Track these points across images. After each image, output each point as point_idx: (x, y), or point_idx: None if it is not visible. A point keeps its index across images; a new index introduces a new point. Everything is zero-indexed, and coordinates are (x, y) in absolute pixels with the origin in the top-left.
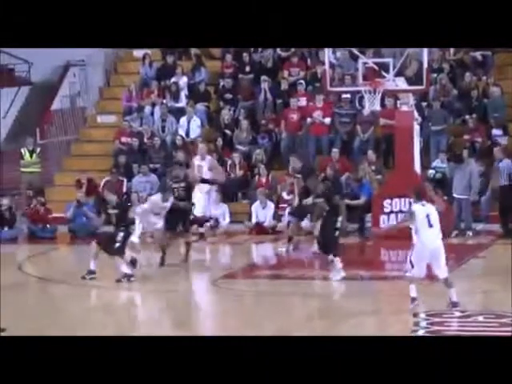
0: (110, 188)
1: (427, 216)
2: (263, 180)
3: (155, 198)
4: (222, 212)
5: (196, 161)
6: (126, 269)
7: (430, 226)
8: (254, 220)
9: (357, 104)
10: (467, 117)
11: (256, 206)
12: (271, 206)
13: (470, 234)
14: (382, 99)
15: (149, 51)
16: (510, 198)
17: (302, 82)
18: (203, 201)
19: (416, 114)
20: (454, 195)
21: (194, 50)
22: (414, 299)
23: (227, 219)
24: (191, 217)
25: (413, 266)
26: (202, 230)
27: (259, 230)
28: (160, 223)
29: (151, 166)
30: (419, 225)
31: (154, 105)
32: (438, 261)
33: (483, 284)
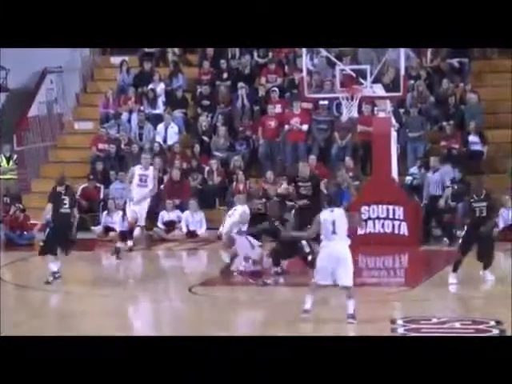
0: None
1: (332, 223)
2: (241, 187)
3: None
4: (199, 219)
5: (139, 170)
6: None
7: (334, 232)
8: None
9: (334, 111)
10: (444, 123)
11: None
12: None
13: (445, 240)
14: (360, 106)
15: (126, 58)
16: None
17: (276, 89)
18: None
19: (393, 120)
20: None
21: (171, 57)
22: (306, 311)
23: (204, 226)
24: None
25: (317, 273)
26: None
27: None
28: None
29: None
30: (324, 231)
31: (131, 111)
32: (342, 268)
33: (460, 291)
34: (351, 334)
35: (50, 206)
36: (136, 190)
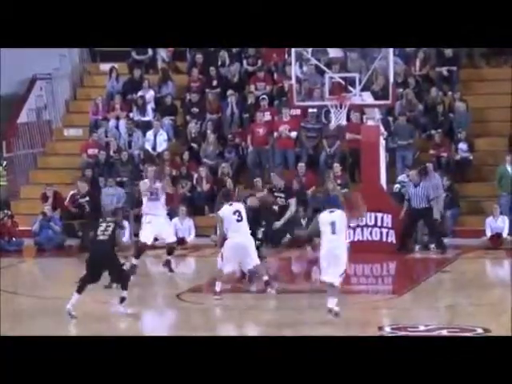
0: None
1: (332, 223)
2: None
3: None
4: (187, 226)
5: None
6: None
7: (334, 233)
8: None
9: (323, 118)
10: (433, 131)
11: None
12: None
13: (433, 247)
14: (348, 114)
15: (115, 65)
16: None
17: (266, 97)
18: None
19: (382, 128)
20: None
21: (160, 64)
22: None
23: (193, 233)
24: None
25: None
26: None
27: None
28: None
29: (118, 179)
30: (324, 231)
31: (119, 118)
32: (334, 266)
33: (447, 298)
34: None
35: None
36: (148, 205)
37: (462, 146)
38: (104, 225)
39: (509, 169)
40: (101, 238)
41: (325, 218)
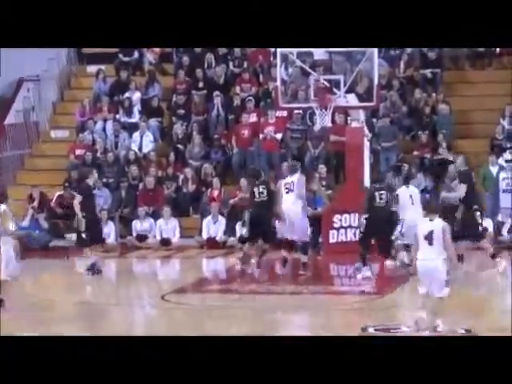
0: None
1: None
2: (215, 194)
3: None
4: (172, 227)
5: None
6: None
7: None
8: (205, 235)
9: (308, 120)
10: (419, 132)
11: (207, 221)
12: (222, 220)
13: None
14: (333, 115)
15: (102, 67)
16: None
17: (252, 98)
18: None
19: (366, 130)
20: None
21: (147, 66)
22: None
23: (177, 234)
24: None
25: None
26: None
27: (211, 244)
28: None
29: (104, 180)
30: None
31: (106, 120)
32: None
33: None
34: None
35: None
36: None
37: (444, 148)
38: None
39: (492, 169)
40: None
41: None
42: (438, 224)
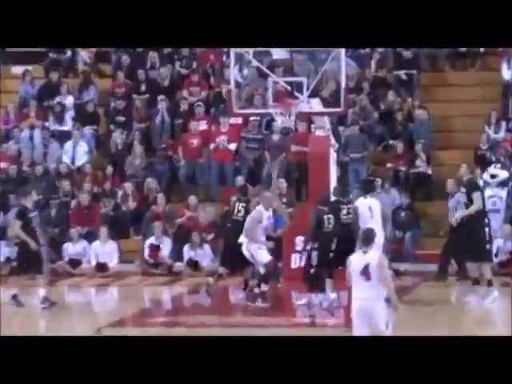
0: None
1: None
2: (160, 212)
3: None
4: (109, 250)
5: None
6: None
7: None
8: (148, 259)
9: (265, 128)
10: (390, 142)
11: (150, 243)
12: (168, 242)
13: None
14: (295, 123)
15: (29, 67)
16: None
17: (201, 104)
18: None
19: (332, 139)
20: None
21: (81, 66)
22: None
23: (116, 258)
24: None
25: None
26: None
27: (154, 270)
28: None
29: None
30: None
31: (34, 128)
32: None
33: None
34: None
35: None
36: None
37: (421, 159)
38: None
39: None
40: None
41: None
42: (374, 256)
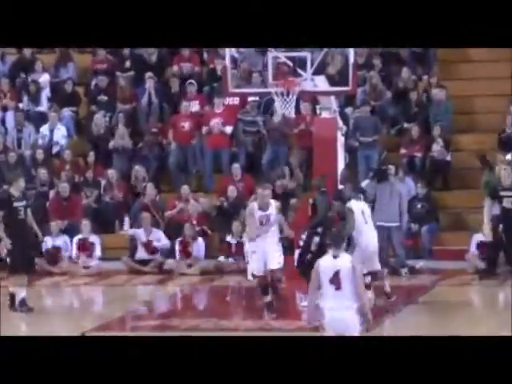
0: None
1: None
2: (149, 203)
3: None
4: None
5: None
6: None
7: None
8: (136, 255)
9: (265, 109)
10: (405, 125)
11: (139, 237)
12: (159, 234)
13: (406, 272)
14: (298, 103)
15: None
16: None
17: (193, 82)
18: None
19: (340, 122)
20: (377, 223)
21: None
22: None
23: (99, 254)
24: None
25: None
26: None
27: (143, 267)
28: None
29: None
30: None
31: (6, 109)
32: None
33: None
34: None
35: None
36: None
37: (438, 144)
38: None
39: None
40: None
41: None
42: (345, 261)
